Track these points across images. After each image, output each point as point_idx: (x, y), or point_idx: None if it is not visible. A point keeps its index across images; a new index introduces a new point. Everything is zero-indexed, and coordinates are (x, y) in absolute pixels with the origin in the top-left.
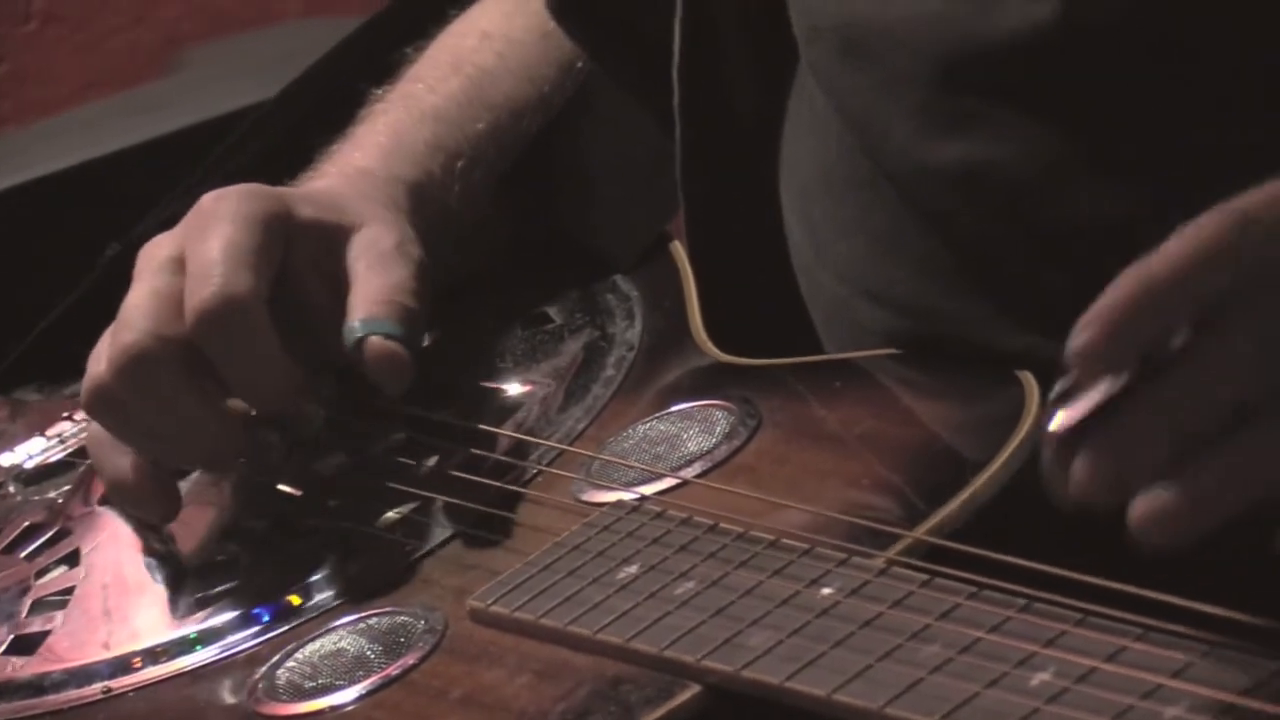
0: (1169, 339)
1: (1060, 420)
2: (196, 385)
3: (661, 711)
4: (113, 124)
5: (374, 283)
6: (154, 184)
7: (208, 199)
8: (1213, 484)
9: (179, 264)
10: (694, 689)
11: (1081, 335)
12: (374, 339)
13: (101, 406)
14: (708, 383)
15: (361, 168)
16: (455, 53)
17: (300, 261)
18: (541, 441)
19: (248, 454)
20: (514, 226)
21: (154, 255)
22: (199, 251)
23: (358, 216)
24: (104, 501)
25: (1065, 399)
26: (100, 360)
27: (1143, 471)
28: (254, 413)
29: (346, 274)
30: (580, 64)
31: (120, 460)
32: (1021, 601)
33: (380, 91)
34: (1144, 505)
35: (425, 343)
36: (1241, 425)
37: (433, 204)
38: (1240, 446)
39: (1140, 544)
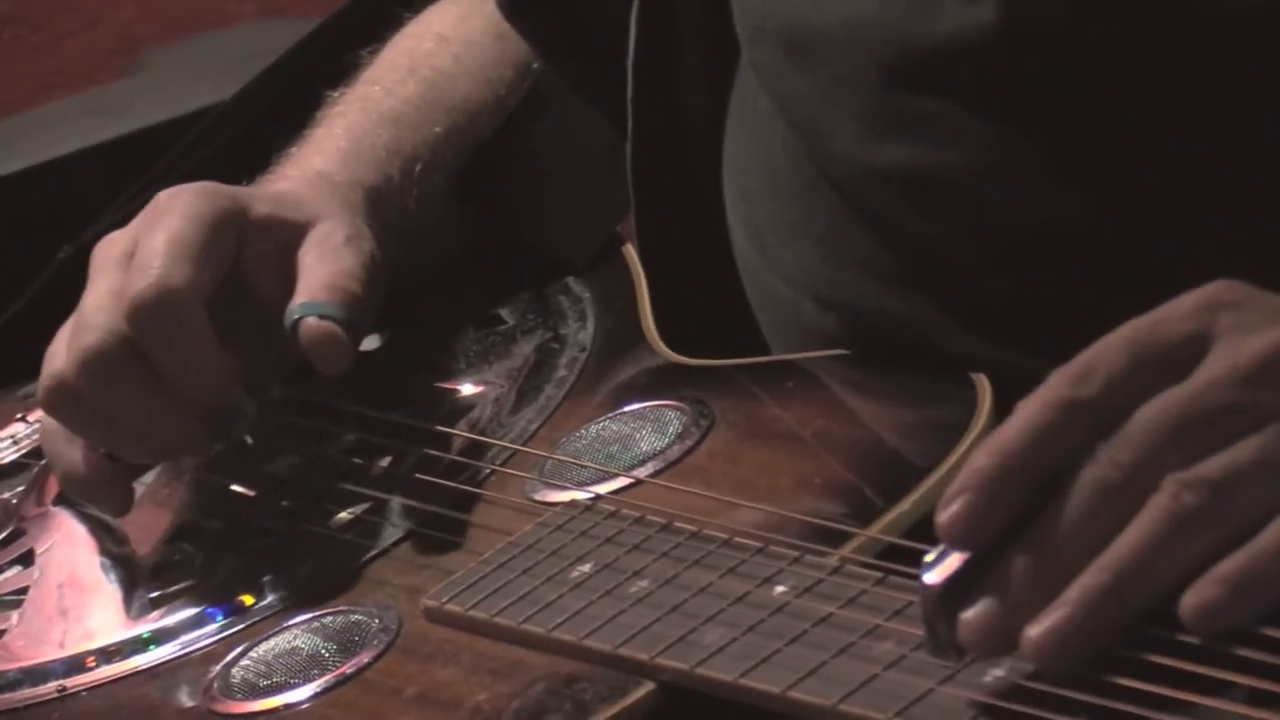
0: (1031, 497)
1: (934, 576)
2: (156, 380)
3: (616, 709)
4: (70, 125)
5: (320, 270)
6: (111, 185)
7: (162, 195)
8: (1089, 603)
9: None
10: (648, 686)
11: (944, 511)
12: (309, 320)
13: (62, 404)
14: (660, 383)
15: (321, 171)
16: (412, 55)
17: (254, 259)
18: (495, 442)
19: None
20: (469, 228)
21: (108, 253)
22: (144, 244)
23: (314, 213)
24: (58, 502)
25: (939, 560)
26: (59, 358)
27: (1023, 613)
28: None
29: (297, 268)
30: (535, 65)
31: (73, 453)
32: None
33: (336, 94)
34: (1035, 631)
35: (378, 342)
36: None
37: (391, 208)
38: (1102, 564)
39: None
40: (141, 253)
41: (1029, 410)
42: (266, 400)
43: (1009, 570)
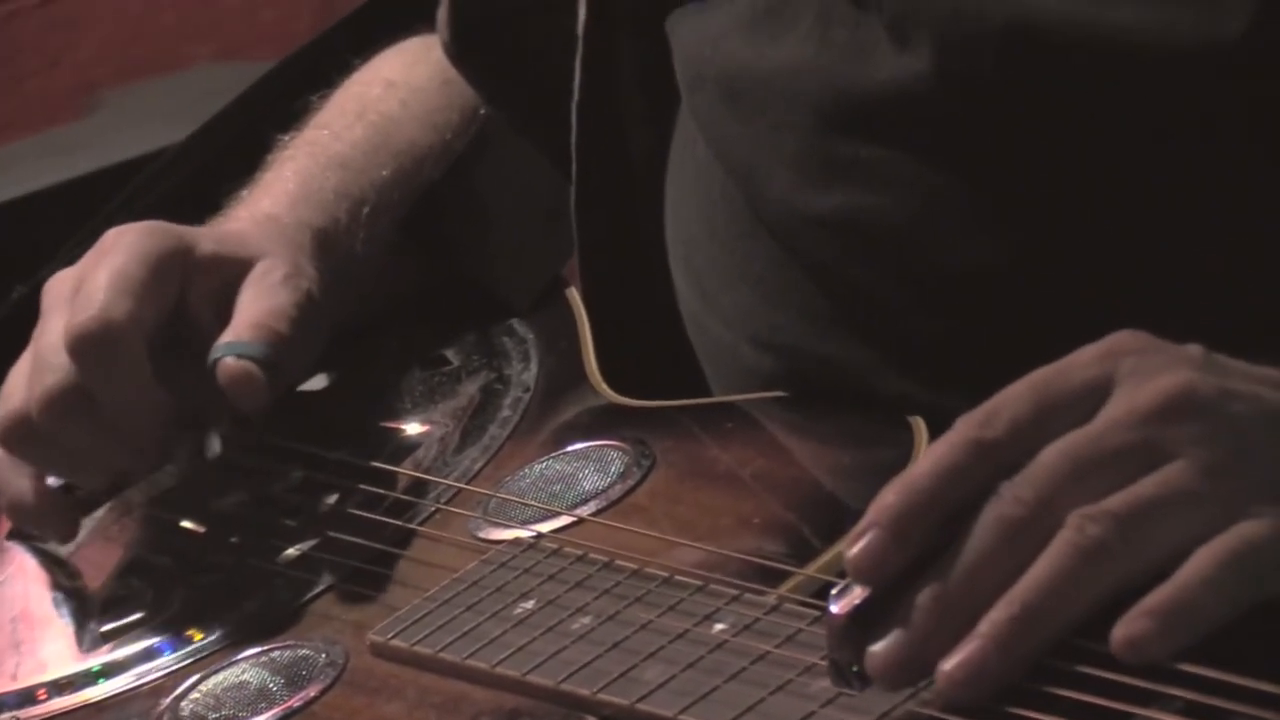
0: (937, 534)
1: (838, 607)
2: (99, 412)
3: None
4: (29, 165)
5: (250, 309)
6: (68, 224)
7: (110, 233)
8: (999, 636)
9: None
10: None
11: (853, 546)
12: (226, 360)
13: (20, 438)
14: (602, 423)
15: (269, 213)
16: (360, 100)
17: (198, 297)
18: (439, 480)
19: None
20: (416, 270)
21: (58, 290)
22: (89, 280)
23: (257, 251)
24: (11, 536)
25: (845, 592)
26: (17, 395)
27: (929, 646)
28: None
29: (233, 307)
30: (482, 110)
31: (21, 482)
32: None
33: (287, 138)
34: (949, 664)
35: (326, 381)
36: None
37: (339, 250)
38: (1011, 597)
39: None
40: (85, 287)
41: (937, 450)
42: (223, 434)
43: (915, 604)
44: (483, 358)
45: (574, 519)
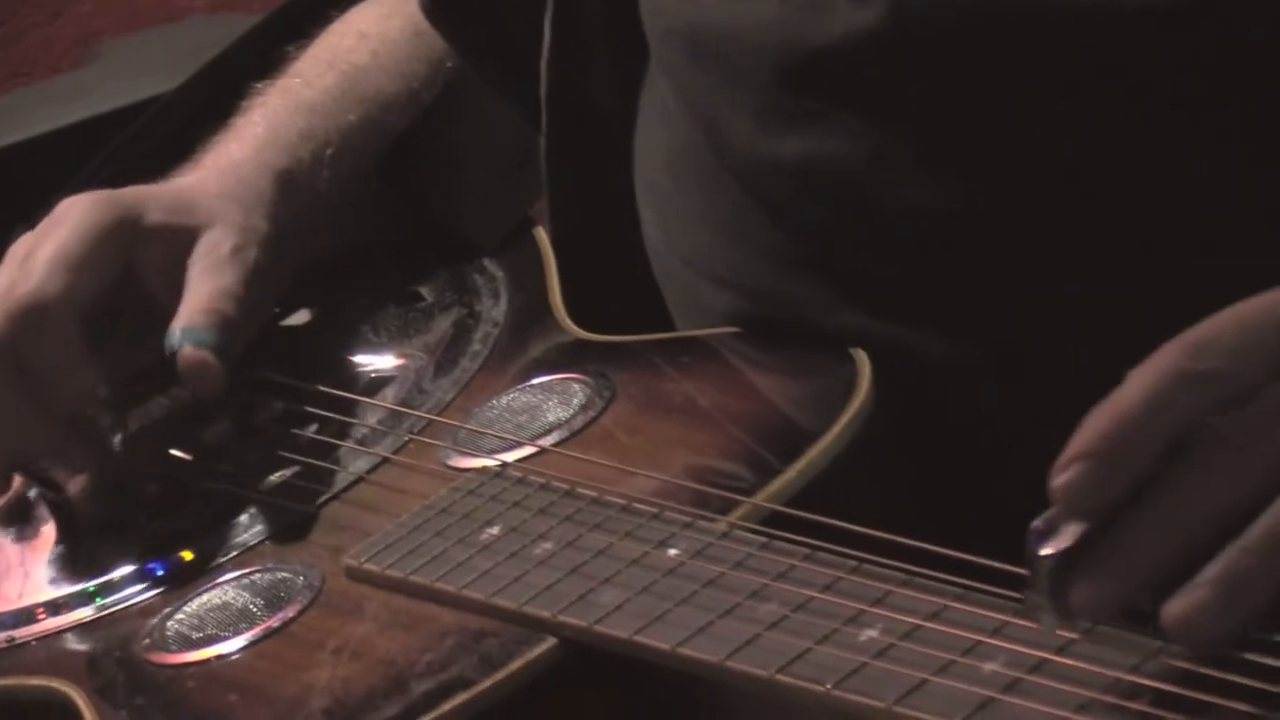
0: (1147, 467)
1: (1051, 546)
2: (25, 382)
3: (520, 662)
4: (33, 111)
5: (200, 289)
6: (70, 166)
7: (63, 205)
8: (1229, 579)
9: None
10: (550, 642)
11: (1062, 475)
12: (186, 349)
13: None
14: (566, 357)
15: (235, 160)
16: (333, 50)
17: (145, 265)
18: (412, 412)
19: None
20: (391, 212)
21: (14, 253)
22: (35, 252)
23: (206, 217)
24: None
25: (1051, 530)
26: None
27: (1146, 586)
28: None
29: (184, 278)
30: (450, 62)
31: None
32: (851, 563)
33: (262, 85)
34: (1176, 609)
35: (307, 316)
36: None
37: (302, 190)
38: (1244, 544)
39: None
40: (29, 260)
41: (1144, 378)
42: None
43: (1131, 540)
44: (455, 294)
45: (537, 449)
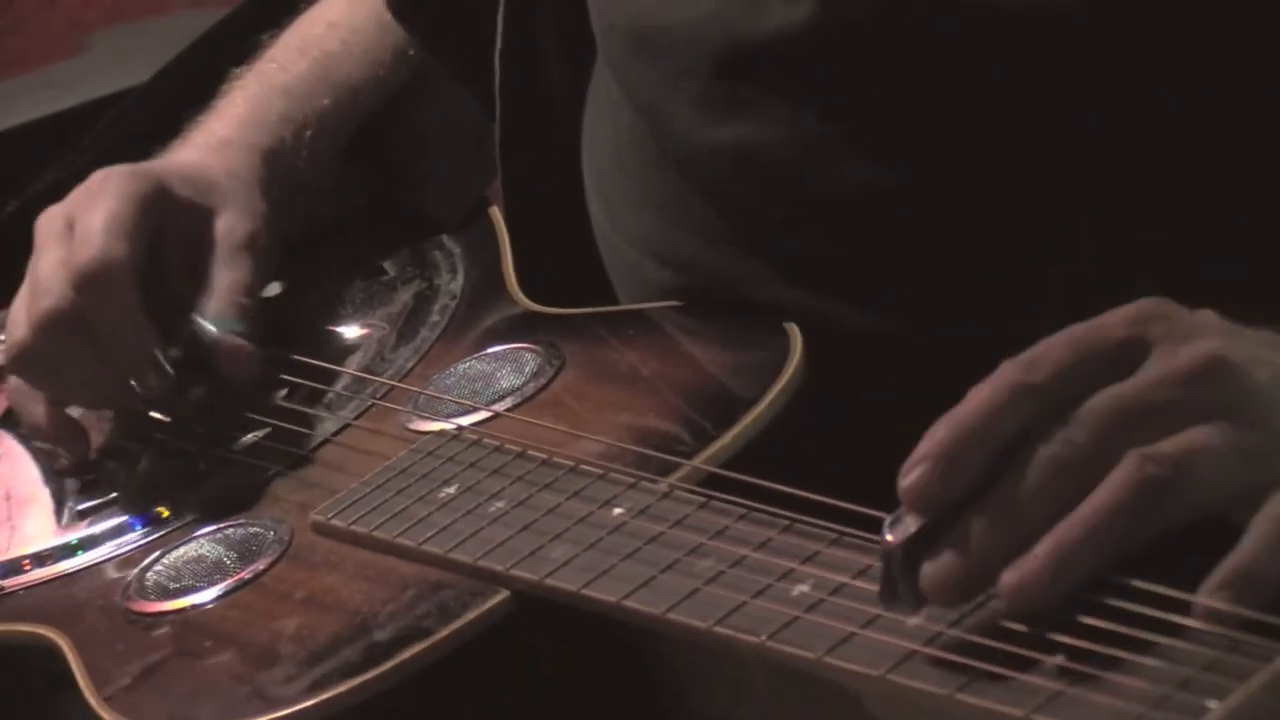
0: (984, 468)
1: (894, 535)
2: (92, 340)
3: (475, 613)
4: (27, 98)
5: (225, 279)
6: (61, 150)
7: (97, 176)
8: (1057, 551)
9: (72, 232)
10: (503, 594)
11: (908, 477)
12: (227, 339)
13: (27, 365)
14: (519, 328)
15: (223, 137)
16: (304, 39)
17: (169, 237)
18: (376, 378)
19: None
20: (357, 192)
21: (51, 226)
22: (85, 221)
23: (220, 199)
24: (2, 424)
25: (899, 521)
26: (20, 325)
27: (985, 569)
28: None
29: (204, 259)
30: (413, 50)
31: (36, 408)
32: (784, 523)
33: (239, 71)
34: (1011, 578)
35: (279, 288)
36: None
37: (284, 169)
38: (1070, 523)
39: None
40: (82, 228)
41: (982, 392)
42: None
43: (971, 529)
44: (415, 269)
45: (492, 414)
